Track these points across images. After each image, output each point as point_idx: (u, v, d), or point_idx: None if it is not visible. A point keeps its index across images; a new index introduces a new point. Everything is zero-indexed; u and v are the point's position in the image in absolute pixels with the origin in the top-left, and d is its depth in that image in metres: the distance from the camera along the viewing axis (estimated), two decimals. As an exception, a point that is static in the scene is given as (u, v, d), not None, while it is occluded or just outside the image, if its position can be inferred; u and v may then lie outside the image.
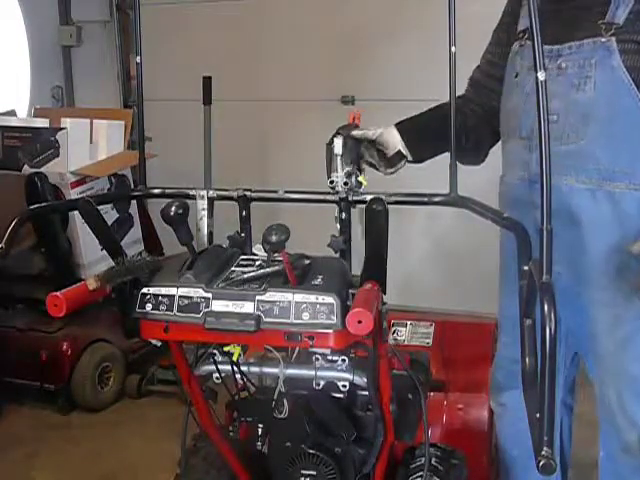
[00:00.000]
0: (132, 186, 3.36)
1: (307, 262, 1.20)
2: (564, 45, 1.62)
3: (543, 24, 1.03)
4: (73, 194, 3.21)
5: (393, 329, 2.11)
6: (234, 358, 1.32)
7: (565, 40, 1.62)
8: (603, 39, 1.56)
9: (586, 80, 1.59)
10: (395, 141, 1.74)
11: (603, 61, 1.56)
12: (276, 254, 1.18)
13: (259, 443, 1.46)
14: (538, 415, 0.97)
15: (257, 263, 1.24)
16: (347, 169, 1.41)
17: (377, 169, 1.72)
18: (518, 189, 1.72)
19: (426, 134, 1.77)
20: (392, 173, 1.75)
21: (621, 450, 1.72)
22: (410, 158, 1.76)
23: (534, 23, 1.05)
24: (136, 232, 3.61)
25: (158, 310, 1.18)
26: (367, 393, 1.37)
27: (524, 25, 1.75)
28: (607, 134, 1.58)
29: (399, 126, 1.76)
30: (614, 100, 1.56)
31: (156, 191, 1.65)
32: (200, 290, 1.17)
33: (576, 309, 1.67)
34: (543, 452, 0.94)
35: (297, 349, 1.34)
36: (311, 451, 1.39)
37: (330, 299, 1.12)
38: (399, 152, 1.73)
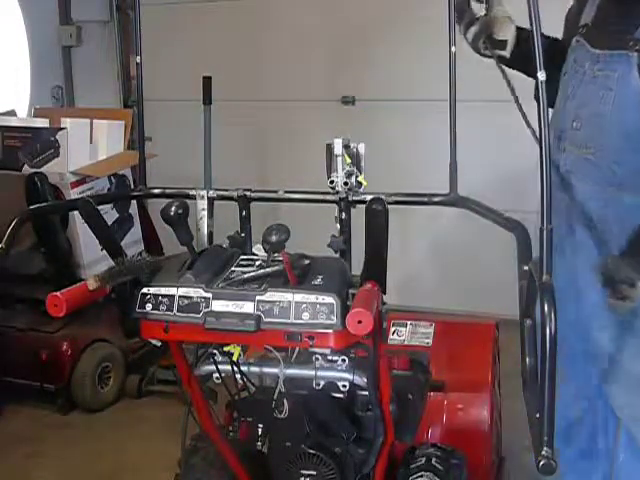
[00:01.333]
0: (132, 186, 3.36)
1: (307, 262, 1.20)
2: (603, 52, 1.59)
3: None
4: (73, 194, 3.20)
5: (393, 329, 2.11)
6: (234, 358, 1.32)
7: (604, 47, 1.59)
8: (630, 53, 1.52)
9: (609, 93, 1.57)
10: (508, 30, 1.78)
11: (624, 76, 1.53)
12: (276, 254, 1.18)
13: (259, 443, 1.46)
14: (538, 415, 0.97)
15: (257, 263, 1.24)
16: (347, 169, 1.41)
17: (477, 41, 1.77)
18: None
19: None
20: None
21: None
22: (507, 55, 1.78)
23: (534, 23, 1.05)
24: (136, 232, 3.61)
25: (158, 310, 1.18)
26: (367, 393, 1.37)
27: (585, 20, 1.69)
28: (619, 149, 1.56)
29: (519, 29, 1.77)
30: (627, 118, 1.54)
31: (156, 191, 1.65)
32: (200, 290, 1.17)
33: None
34: (543, 452, 0.94)
35: (297, 349, 1.34)
36: (311, 451, 1.39)
37: (330, 299, 1.13)
38: (504, 42, 1.77)
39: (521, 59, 1.76)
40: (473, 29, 1.79)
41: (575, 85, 1.67)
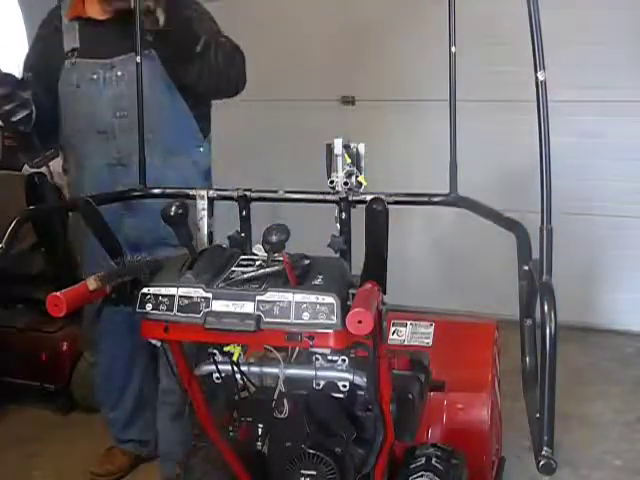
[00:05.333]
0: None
1: (307, 262, 1.20)
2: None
3: None
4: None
5: (393, 329, 2.11)
6: (234, 358, 1.32)
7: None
8: None
9: None
10: None
11: None
12: (276, 254, 1.18)
13: (259, 443, 1.46)
14: (538, 415, 0.97)
15: (257, 263, 1.24)
16: (347, 169, 1.41)
17: None
18: None
19: None
20: None
21: None
22: None
23: (534, 23, 1.05)
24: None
25: (158, 310, 1.18)
26: (367, 393, 1.37)
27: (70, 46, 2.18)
28: None
29: None
30: None
31: (156, 191, 1.65)
32: (200, 290, 1.17)
33: None
34: (543, 452, 0.94)
35: (297, 349, 1.34)
36: (311, 451, 1.39)
37: (330, 299, 1.13)
38: None
39: None
40: None
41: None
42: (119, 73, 2.19)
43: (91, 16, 2.22)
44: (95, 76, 2.21)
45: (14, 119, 1.95)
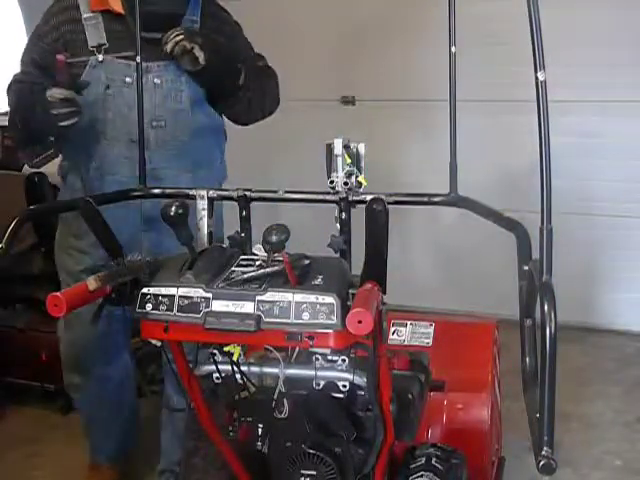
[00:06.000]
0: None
1: (307, 262, 1.20)
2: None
3: None
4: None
5: (393, 329, 2.11)
6: (234, 358, 1.32)
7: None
8: None
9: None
10: None
11: None
12: (276, 254, 1.18)
13: (259, 443, 1.46)
14: (538, 415, 0.97)
15: (257, 263, 1.24)
16: (347, 169, 1.41)
17: None
18: None
19: None
20: None
21: None
22: None
23: (534, 23, 1.05)
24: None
25: (158, 310, 1.18)
26: (367, 393, 1.37)
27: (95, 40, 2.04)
28: None
29: None
30: None
31: (156, 191, 1.65)
32: (200, 290, 1.17)
33: None
34: (543, 452, 0.94)
35: (297, 349, 1.34)
36: (311, 451, 1.39)
37: (330, 299, 1.13)
38: None
39: None
40: None
41: None
42: (157, 81, 2.05)
43: (121, 12, 2.05)
44: (129, 79, 2.04)
45: (63, 124, 1.87)
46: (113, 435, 2.51)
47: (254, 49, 2.32)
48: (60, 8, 2.11)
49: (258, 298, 1.14)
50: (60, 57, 1.91)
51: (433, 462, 1.54)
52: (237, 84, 2.10)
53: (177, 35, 1.95)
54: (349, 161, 1.39)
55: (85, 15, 2.06)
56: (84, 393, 2.44)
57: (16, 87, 2.17)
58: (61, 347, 2.52)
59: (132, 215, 2.09)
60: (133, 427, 2.55)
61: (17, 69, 2.25)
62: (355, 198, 1.40)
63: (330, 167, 1.41)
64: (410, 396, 1.46)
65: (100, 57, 2.04)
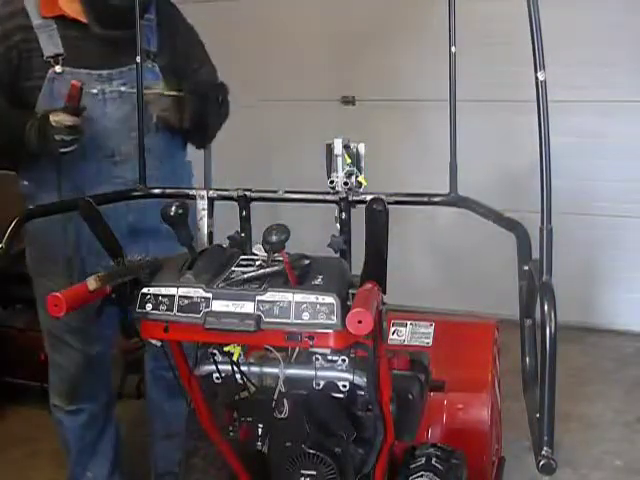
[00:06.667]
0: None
1: (307, 262, 1.20)
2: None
3: None
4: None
5: (393, 329, 2.11)
6: (234, 358, 1.32)
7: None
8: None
9: None
10: None
11: None
12: (276, 254, 1.18)
13: (259, 443, 1.46)
14: (538, 415, 0.97)
15: (257, 263, 1.24)
16: (347, 169, 1.41)
17: None
18: None
19: None
20: None
21: None
22: None
23: (534, 23, 1.05)
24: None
25: (158, 310, 1.18)
26: (367, 393, 1.37)
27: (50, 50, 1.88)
28: None
29: None
30: None
31: (156, 191, 1.65)
32: (200, 290, 1.17)
33: None
34: (543, 452, 0.94)
35: (297, 349, 1.34)
36: (311, 451, 1.39)
37: (330, 299, 1.12)
38: None
39: None
40: None
41: None
42: (123, 89, 1.94)
43: (76, 17, 1.89)
44: (94, 90, 1.92)
45: (63, 150, 1.81)
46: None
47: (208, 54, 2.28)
48: (6, 14, 1.91)
49: (258, 298, 1.14)
50: (75, 83, 1.80)
51: (433, 462, 1.54)
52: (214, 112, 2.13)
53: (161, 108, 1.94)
54: (349, 161, 1.39)
55: (36, 22, 1.88)
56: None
57: None
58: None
59: (117, 226, 2.06)
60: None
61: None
62: (355, 198, 1.40)
63: (330, 167, 1.41)
64: (410, 396, 1.46)
65: (58, 68, 1.88)
